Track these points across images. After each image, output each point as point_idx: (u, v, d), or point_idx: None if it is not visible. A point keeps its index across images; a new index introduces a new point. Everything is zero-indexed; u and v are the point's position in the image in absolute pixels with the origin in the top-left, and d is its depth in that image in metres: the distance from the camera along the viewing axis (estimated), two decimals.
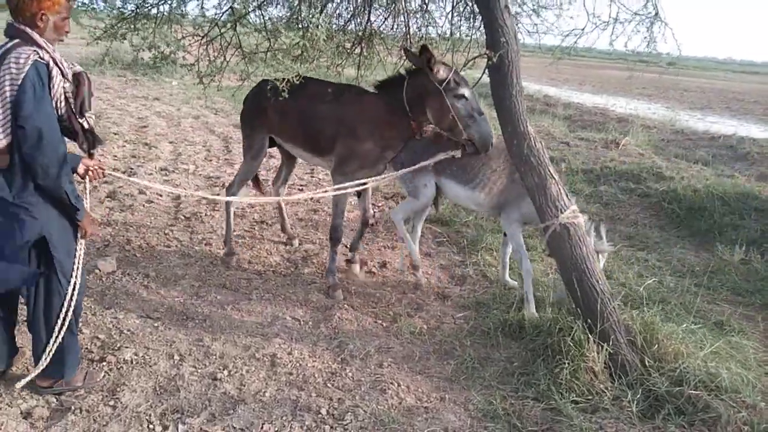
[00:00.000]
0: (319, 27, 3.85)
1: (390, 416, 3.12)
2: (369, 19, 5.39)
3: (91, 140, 2.91)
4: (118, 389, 3.18)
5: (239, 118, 5.40)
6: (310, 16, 3.95)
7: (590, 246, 3.69)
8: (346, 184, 4.37)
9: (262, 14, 4.41)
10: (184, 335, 3.82)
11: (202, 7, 4.27)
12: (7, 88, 2.54)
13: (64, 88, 2.72)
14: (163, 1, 4.14)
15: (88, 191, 3.14)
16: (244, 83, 4.87)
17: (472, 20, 5.25)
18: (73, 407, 2.99)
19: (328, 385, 3.40)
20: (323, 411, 3.14)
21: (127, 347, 3.58)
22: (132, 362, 3.45)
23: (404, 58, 5.60)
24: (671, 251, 5.87)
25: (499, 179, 4.43)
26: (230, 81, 5.25)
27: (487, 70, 3.91)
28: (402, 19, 5.43)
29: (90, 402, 3.05)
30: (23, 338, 3.44)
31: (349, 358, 3.69)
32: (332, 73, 5.58)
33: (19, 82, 2.53)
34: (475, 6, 4.70)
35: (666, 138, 12.17)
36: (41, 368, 2.99)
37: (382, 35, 5.60)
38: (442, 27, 5.58)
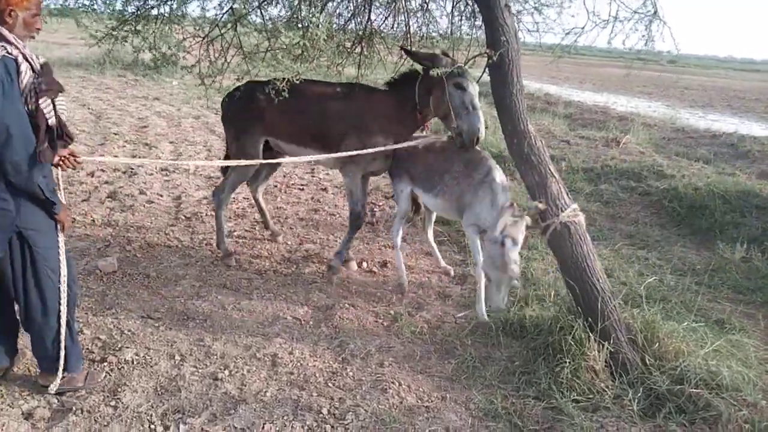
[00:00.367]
0: (320, 26, 3.85)
1: (391, 416, 3.12)
2: (369, 18, 5.39)
3: (62, 134, 2.84)
4: (119, 389, 3.18)
5: (222, 120, 5.31)
6: (310, 15, 3.94)
7: (590, 244, 3.69)
8: (301, 158, 4.82)
9: (262, 14, 4.41)
10: (184, 335, 3.82)
11: (202, 8, 4.28)
12: None
13: (34, 83, 2.68)
14: (164, 2, 4.13)
15: (61, 183, 3.09)
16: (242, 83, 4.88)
17: (472, 19, 5.26)
18: (74, 408, 3.00)
19: (329, 384, 3.40)
20: (324, 410, 3.14)
21: (128, 347, 3.59)
22: (133, 362, 3.45)
23: (404, 57, 5.62)
24: (672, 249, 5.86)
25: (457, 185, 4.37)
26: (230, 81, 5.25)
27: (487, 69, 3.92)
28: (402, 18, 5.43)
29: (91, 402, 3.06)
30: (23, 339, 3.44)
31: (350, 357, 3.69)
32: (332, 73, 5.58)
33: None
34: (475, 5, 4.70)
35: (667, 136, 12.15)
36: (60, 371, 3.03)
37: (382, 34, 5.60)
38: (442, 26, 5.59)
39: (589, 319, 3.51)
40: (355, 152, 4.39)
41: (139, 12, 4.08)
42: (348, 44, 5.44)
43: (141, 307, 4.16)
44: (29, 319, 2.98)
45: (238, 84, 4.76)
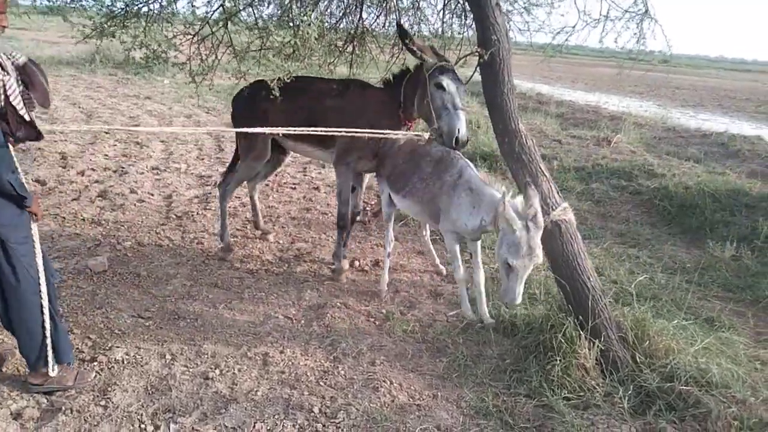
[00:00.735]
0: (311, 25, 3.84)
1: (382, 414, 3.12)
2: (361, 17, 5.38)
3: (33, 135, 2.87)
4: (110, 389, 3.16)
5: (231, 118, 5.37)
6: (301, 14, 3.93)
7: (581, 243, 3.69)
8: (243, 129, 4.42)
9: (253, 12, 4.38)
10: (175, 334, 3.81)
11: (192, 5, 4.25)
12: None
13: (2, 81, 2.68)
14: (153, 0, 4.11)
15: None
16: (239, 82, 4.87)
17: (463, 18, 5.26)
18: (63, 407, 2.98)
19: (321, 383, 3.39)
20: (315, 409, 3.13)
21: (118, 347, 3.57)
22: (123, 362, 3.43)
23: (396, 55, 5.63)
24: (662, 248, 5.89)
25: (428, 188, 4.18)
26: (222, 80, 5.23)
27: (478, 68, 3.92)
28: (394, 16, 5.42)
29: (81, 402, 3.04)
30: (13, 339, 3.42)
31: (342, 356, 3.69)
32: (324, 72, 5.56)
33: None
34: (466, 3, 4.70)
35: (658, 135, 12.21)
36: (51, 363, 3.03)
37: (374, 33, 5.59)
38: (434, 24, 5.59)
39: (580, 318, 3.52)
40: (326, 131, 4.14)
41: (127, 8, 4.04)
42: (340, 43, 5.44)
43: (131, 306, 4.14)
44: (11, 316, 2.95)
45: (236, 82, 4.80)
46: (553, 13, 4.83)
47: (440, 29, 5.46)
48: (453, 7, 5.30)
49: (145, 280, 4.58)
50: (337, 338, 3.89)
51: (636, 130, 11.58)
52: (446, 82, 4.05)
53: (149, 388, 3.22)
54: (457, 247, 4.18)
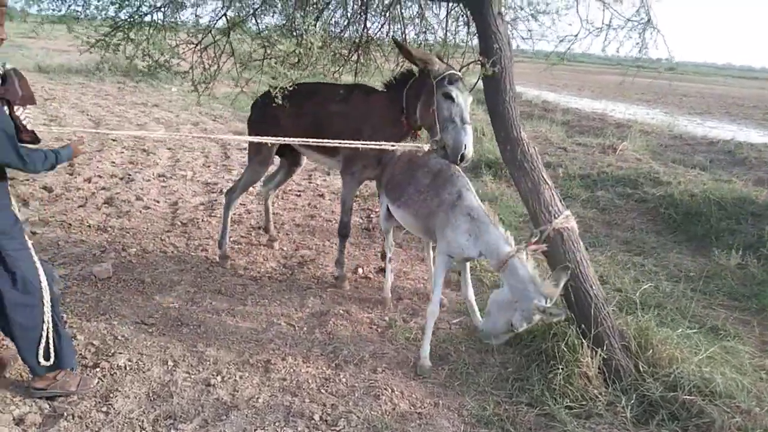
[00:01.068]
0: (314, 35, 3.87)
1: (383, 422, 3.11)
2: (366, 26, 5.41)
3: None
4: (111, 395, 3.17)
5: (246, 123, 5.41)
6: (306, 24, 3.96)
7: (583, 250, 3.69)
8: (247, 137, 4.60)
9: (257, 22, 4.42)
10: (178, 341, 3.82)
11: (196, 16, 4.30)
12: None
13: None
14: (156, 10, 4.15)
15: None
16: (242, 90, 4.91)
17: (468, 27, 5.28)
18: (65, 413, 2.99)
19: (322, 390, 3.39)
20: (316, 417, 3.13)
21: (121, 353, 3.58)
22: (126, 368, 3.45)
23: (401, 64, 5.64)
24: (668, 256, 5.86)
25: (425, 202, 3.91)
26: (229, 87, 5.27)
27: (481, 76, 3.92)
28: (399, 26, 5.45)
29: (83, 408, 3.05)
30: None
31: (344, 363, 3.69)
32: (330, 80, 5.59)
33: None
34: (469, 13, 4.72)
35: (664, 143, 12.17)
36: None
37: (378, 42, 5.62)
38: (438, 34, 5.60)
39: (583, 326, 3.51)
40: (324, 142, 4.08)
41: (132, 18, 4.08)
42: (344, 52, 5.46)
43: (135, 312, 4.15)
44: (10, 323, 2.96)
45: (239, 91, 4.87)
46: (558, 22, 4.84)
47: (444, 38, 5.48)
48: (457, 16, 5.33)
49: (149, 286, 4.60)
50: (339, 345, 3.90)
51: (642, 138, 11.54)
52: (456, 92, 3.84)
53: (151, 395, 3.23)
54: (443, 275, 3.83)
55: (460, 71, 4.31)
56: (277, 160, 5.63)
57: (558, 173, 8.67)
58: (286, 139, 4.38)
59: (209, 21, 4.43)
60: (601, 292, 3.63)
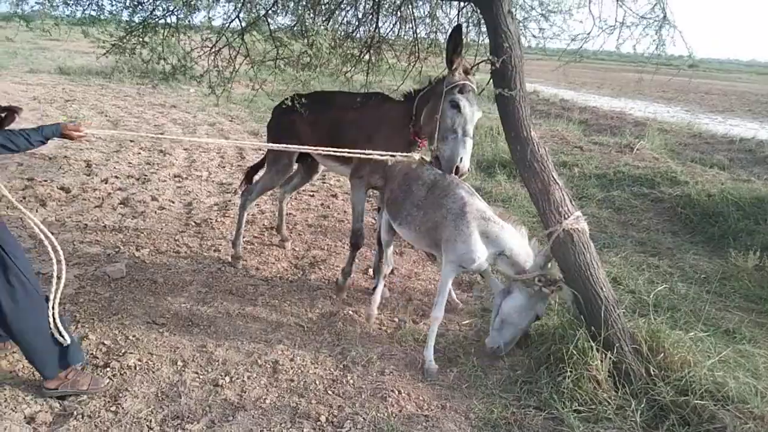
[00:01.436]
0: (322, 34, 3.87)
1: (389, 424, 3.11)
2: (377, 26, 5.40)
3: None
4: (121, 395, 3.21)
5: (266, 129, 5.44)
6: (315, 25, 3.96)
7: (594, 252, 3.64)
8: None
9: (268, 23, 4.43)
10: (188, 341, 3.85)
11: (209, 18, 4.32)
12: None
13: None
14: (170, 13, 4.18)
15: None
16: (256, 93, 4.93)
17: (479, 26, 5.25)
18: (75, 412, 3.03)
19: (329, 392, 3.40)
20: (322, 418, 3.13)
21: (131, 353, 3.62)
22: (135, 368, 3.48)
23: (413, 63, 5.62)
24: (684, 257, 5.77)
25: (426, 216, 3.79)
26: (246, 88, 5.29)
27: (491, 75, 3.89)
28: (410, 25, 5.44)
29: (92, 407, 3.09)
30: None
31: (351, 365, 3.69)
32: (342, 80, 5.59)
33: None
34: (479, 11, 4.68)
35: (683, 142, 12.00)
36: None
37: (390, 42, 5.61)
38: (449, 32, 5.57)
39: (593, 328, 3.47)
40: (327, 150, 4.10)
41: (146, 22, 4.12)
42: (356, 52, 5.46)
43: (147, 312, 4.19)
44: (13, 328, 3.01)
45: (254, 93, 4.88)
46: (570, 21, 4.80)
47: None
48: (468, 15, 5.30)
49: (162, 286, 4.64)
50: (347, 346, 3.90)
51: (660, 137, 11.37)
52: (464, 103, 3.72)
53: (159, 395, 3.26)
54: (449, 284, 3.75)
55: (471, 69, 4.28)
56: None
57: (574, 173, 8.59)
58: (290, 146, 4.36)
59: (222, 23, 4.46)
60: (611, 294, 3.58)
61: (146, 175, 7.82)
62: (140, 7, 4.17)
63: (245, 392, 3.33)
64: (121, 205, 6.54)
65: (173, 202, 6.88)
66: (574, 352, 3.39)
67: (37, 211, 5.96)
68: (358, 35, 5.49)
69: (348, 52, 5.30)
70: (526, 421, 3.17)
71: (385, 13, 5.40)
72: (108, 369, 3.44)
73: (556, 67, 4.86)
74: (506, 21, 3.76)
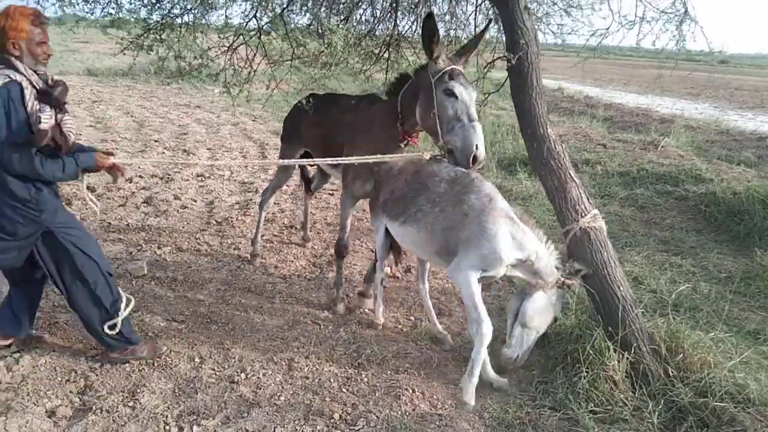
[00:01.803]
0: (338, 33, 3.88)
1: (402, 422, 3.10)
2: (396, 23, 5.40)
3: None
4: (138, 390, 3.26)
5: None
6: (331, 24, 3.97)
7: (611, 250, 3.59)
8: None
9: (284, 22, 4.46)
10: (206, 338, 3.90)
11: (226, 17, 4.37)
12: None
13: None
14: (187, 12, 4.23)
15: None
16: (272, 92, 4.98)
17: (497, 23, 5.21)
18: (94, 407, 3.09)
19: (343, 389, 3.41)
20: (336, 416, 3.14)
21: None
22: (154, 364, 3.53)
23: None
24: (707, 256, 5.65)
25: (443, 213, 3.43)
26: (260, 89, 5.34)
27: (507, 72, 3.86)
28: None
29: (111, 402, 3.14)
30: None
31: (366, 363, 3.69)
32: (362, 78, 5.60)
33: None
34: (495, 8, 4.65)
35: (710, 139, 11.75)
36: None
37: (409, 39, 5.60)
38: (470, 30, 5.54)
39: (610, 328, 3.42)
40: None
41: (163, 20, 4.18)
42: (375, 50, 5.47)
43: (166, 310, 4.25)
44: (77, 299, 3.32)
45: (271, 92, 4.97)
46: (592, 16, 4.74)
47: (475, 34, 5.42)
48: (487, 11, 5.27)
49: (182, 284, 4.70)
50: (362, 344, 3.91)
51: (687, 134, 11.14)
52: (458, 89, 3.48)
53: (176, 391, 3.31)
54: (478, 291, 3.31)
55: (485, 68, 4.26)
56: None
57: (596, 170, 8.48)
58: (290, 161, 4.54)
59: (239, 22, 4.51)
60: (629, 293, 3.53)
61: (170, 175, 7.94)
62: (158, 5, 4.24)
63: (260, 389, 3.36)
64: (145, 204, 6.65)
65: (195, 201, 6.97)
66: (591, 352, 3.34)
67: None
68: (377, 33, 5.50)
69: (367, 50, 5.31)
70: (541, 422, 3.14)
71: (403, 11, 5.39)
72: (127, 365, 3.49)
73: (575, 63, 4.81)
74: (523, 17, 3.72)
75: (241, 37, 4.50)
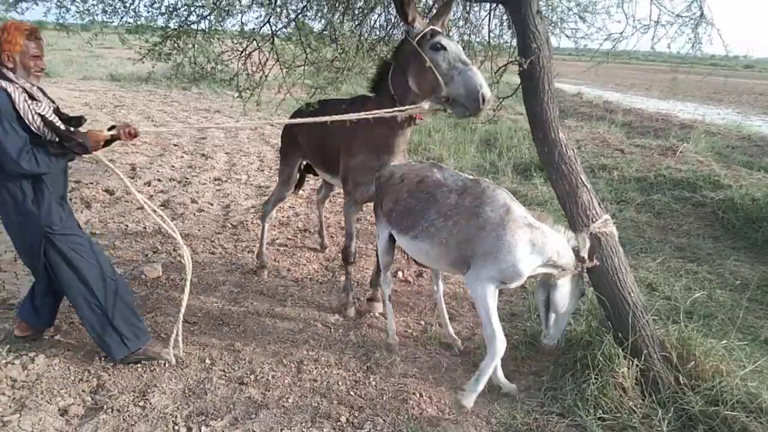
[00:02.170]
0: (350, 38, 3.91)
1: (409, 427, 3.11)
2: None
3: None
4: (149, 390, 3.31)
5: None
6: (344, 29, 4.00)
7: (622, 256, 3.56)
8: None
9: (297, 27, 4.50)
10: (217, 340, 3.94)
11: (242, 23, 4.43)
12: None
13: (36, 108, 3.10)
14: (203, 18, 4.30)
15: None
16: (285, 97, 5.01)
17: (510, 27, 5.21)
18: (105, 406, 3.14)
19: (351, 393, 3.42)
20: (343, 419, 3.16)
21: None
22: (165, 365, 3.58)
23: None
24: (724, 263, 5.57)
25: (457, 226, 3.29)
26: (272, 93, 5.39)
27: (519, 77, 3.86)
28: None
29: (122, 402, 3.20)
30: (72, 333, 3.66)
31: (375, 366, 3.71)
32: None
33: None
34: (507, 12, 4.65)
35: (731, 144, 11.55)
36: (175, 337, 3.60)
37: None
38: (484, 35, 5.55)
39: (620, 335, 3.39)
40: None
41: (181, 27, 4.25)
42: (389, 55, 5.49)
43: (179, 311, 4.29)
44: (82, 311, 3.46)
45: (283, 97, 4.98)
46: (609, 20, 4.72)
47: (488, 39, 5.43)
48: (501, 16, 5.27)
49: (196, 286, 4.76)
50: (371, 348, 3.92)
51: (707, 139, 10.97)
52: (445, 41, 3.46)
53: (186, 391, 3.35)
54: (495, 305, 3.21)
55: (496, 72, 4.25)
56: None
57: (613, 176, 8.40)
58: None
59: (253, 28, 4.56)
60: (640, 299, 3.49)
61: (187, 178, 8.04)
62: (175, 13, 4.31)
63: (269, 391, 3.39)
64: (162, 207, 6.74)
65: (212, 205, 7.05)
66: (601, 359, 3.31)
67: (82, 213, 6.19)
68: (390, 38, 5.52)
69: (381, 55, 5.33)
70: (549, 428, 3.12)
71: None
72: (139, 365, 3.55)
73: (588, 68, 4.78)
74: (535, 21, 3.71)
75: (255, 42, 4.56)
